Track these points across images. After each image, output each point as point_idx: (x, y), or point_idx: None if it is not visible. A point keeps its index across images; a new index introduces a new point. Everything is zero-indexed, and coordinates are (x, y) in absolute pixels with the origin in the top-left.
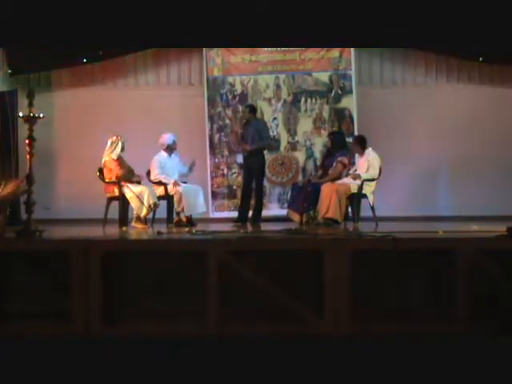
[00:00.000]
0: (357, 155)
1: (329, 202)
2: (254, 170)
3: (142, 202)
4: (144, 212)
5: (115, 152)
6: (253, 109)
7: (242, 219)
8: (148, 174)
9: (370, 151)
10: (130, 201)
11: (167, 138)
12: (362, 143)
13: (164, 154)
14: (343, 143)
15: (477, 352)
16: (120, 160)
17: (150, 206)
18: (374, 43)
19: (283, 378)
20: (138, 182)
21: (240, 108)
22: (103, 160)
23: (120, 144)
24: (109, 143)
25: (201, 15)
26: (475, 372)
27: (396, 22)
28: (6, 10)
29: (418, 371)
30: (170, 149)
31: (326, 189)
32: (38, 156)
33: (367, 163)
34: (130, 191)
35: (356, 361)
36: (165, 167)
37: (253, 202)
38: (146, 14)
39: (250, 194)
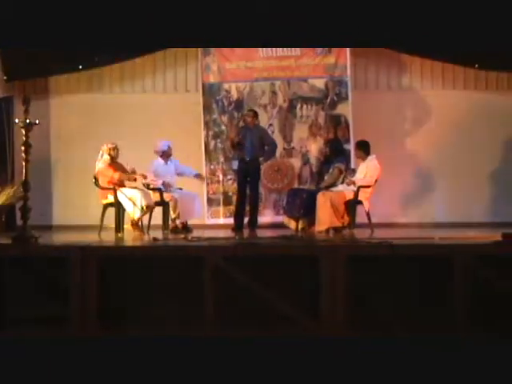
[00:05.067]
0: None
1: (324, 212)
2: (251, 175)
3: (136, 204)
4: (138, 214)
5: (103, 160)
6: (256, 114)
7: (240, 226)
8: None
9: (371, 158)
10: (123, 204)
11: (162, 144)
12: (364, 148)
13: (161, 161)
14: (340, 150)
15: (473, 356)
16: (112, 165)
17: (142, 208)
18: (372, 43)
19: (279, 380)
20: (134, 187)
21: (236, 115)
22: (96, 169)
23: (106, 152)
24: (100, 152)
25: (201, 15)
26: (473, 374)
27: (395, 24)
28: (6, 12)
29: (415, 376)
30: (166, 155)
31: (321, 198)
32: (34, 162)
33: (366, 170)
34: (123, 195)
35: (352, 366)
36: (159, 173)
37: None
38: (147, 14)
39: (245, 200)
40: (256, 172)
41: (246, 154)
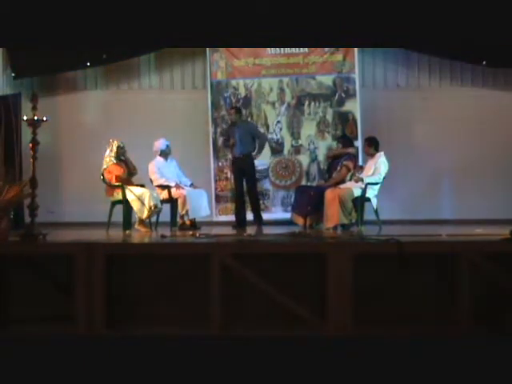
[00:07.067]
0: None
1: (332, 209)
2: (247, 172)
3: (144, 204)
4: (145, 214)
5: (110, 156)
6: (239, 110)
7: (241, 223)
8: (151, 181)
9: (380, 155)
10: (131, 203)
11: (160, 143)
12: (373, 145)
13: (160, 159)
14: (351, 146)
15: (478, 354)
16: (118, 163)
17: (150, 207)
18: (375, 43)
19: (285, 379)
20: (142, 186)
21: (244, 111)
22: (104, 166)
23: (114, 148)
24: (107, 149)
25: (204, 15)
26: (476, 372)
27: (398, 23)
28: (12, 11)
29: (420, 373)
30: (165, 154)
31: (329, 195)
32: (42, 159)
33: (374, 166)
34: (132, 193)
35: (358, 363)
36: (163, 172)
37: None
38: (150, 14)
39: (244, 197)
40: (250, 168)
41: (237, 151)
